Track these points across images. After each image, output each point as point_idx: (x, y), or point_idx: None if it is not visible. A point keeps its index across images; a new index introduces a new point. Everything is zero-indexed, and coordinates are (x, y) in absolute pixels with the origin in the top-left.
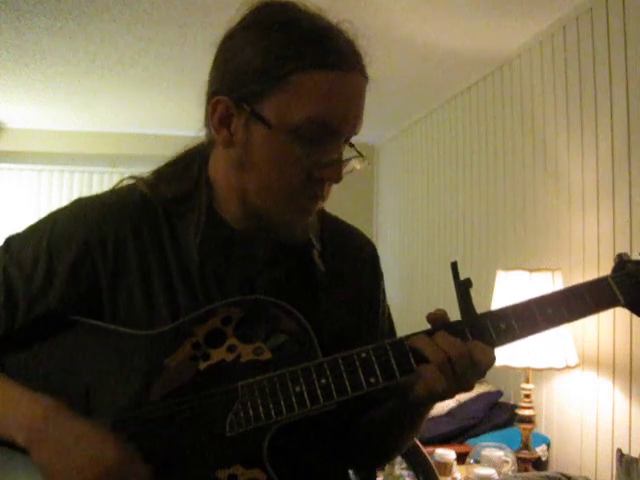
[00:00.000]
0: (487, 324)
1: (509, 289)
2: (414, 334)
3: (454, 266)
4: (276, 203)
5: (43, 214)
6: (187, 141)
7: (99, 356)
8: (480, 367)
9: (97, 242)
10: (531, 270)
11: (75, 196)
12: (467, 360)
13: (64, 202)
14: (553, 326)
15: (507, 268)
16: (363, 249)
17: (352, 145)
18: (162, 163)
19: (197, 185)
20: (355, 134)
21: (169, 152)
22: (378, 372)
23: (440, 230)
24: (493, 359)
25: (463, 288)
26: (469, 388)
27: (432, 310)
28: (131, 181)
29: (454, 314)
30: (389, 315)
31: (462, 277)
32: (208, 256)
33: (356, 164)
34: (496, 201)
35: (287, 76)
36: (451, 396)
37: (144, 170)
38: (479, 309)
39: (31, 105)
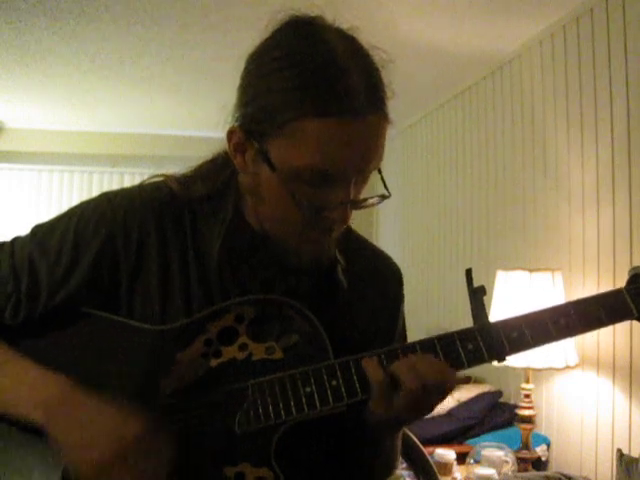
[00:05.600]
0: (499, 332)
1: (509, 289)
2: (423, 340)
3: (468, 273)
4: (284, 234)
5: (43, 214)
6: (187, 141)
7: (111, 348)
8: (429, 383)
9: (121, 235)
10: (531, 270)
11: (75, 196)
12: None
13: (64, 202)
14: (566, 336)
15: (507, 268)
16: (388, 271)
17: (380, 172)
18: (184, 162)
19: (228, 186)
20: (370, 172)
21: (169, 152)
22: None
23: (440, 230)
24: (445, 376)
25: (477, 295)
26: (425, 410)
27: (431, 310)
28: (160, 178)
29: (454, 315)
30: (405, 336)
31: (461, 280)
32: (228, 257)
33: (374, 201)
34: (496, 201)
35: (287, 122)
36: (407, 419)
37: (143, 170)
38: None
39: (31, 105)
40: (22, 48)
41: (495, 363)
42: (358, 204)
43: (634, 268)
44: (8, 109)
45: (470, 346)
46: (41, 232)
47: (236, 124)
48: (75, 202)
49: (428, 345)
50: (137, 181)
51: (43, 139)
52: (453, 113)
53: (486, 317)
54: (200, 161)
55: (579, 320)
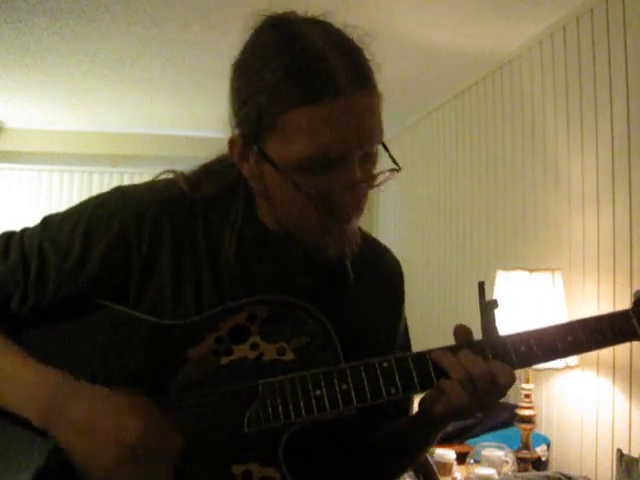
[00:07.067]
0: (508, 345)
1: (509, 289)
2: (437, 349)
3: (481, 286)
4: (304, 231)
5: (43, 214)
6: (187, 141)
7: (121, 342)
8: (500, 387)
9: (134, 229)
10: (531, 270)
11: (75, 196)
12: (488, 379)
13: (64, 202)
14: (572, 353)
15: (507, 268)
16: (390, 264)
17: (386, 148)
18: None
19: (237, 185)
20: (371, 148)
21: (169, 152)
22: (399, 383)
23: (440, 230)
24: (513, 379)
25: (489, 309)
26: (490, 407)
27: (431, 309)
28: (170, 175)
29: (453, 314)
30: (406, 331)
31: (460, 280)
32: (241, 256)
33: (384, 177)
34: (496, 201)
35: (276, 118)
36: (471, 414)
37: (143, 170)
38: (478, 310)
39: (31, 105)
40: (22, 48)
41: None
42: (368, 183)
43: (638, 291)
44: (8, 109)
45: None
46: (52, 223)
47: (234, 133)
48: (75, 202)
49: None
50: (137, 181)
51: (43, 139)
52: (453, 113)
53: (496, 331)
54: (208, 160)
55: (586, 338)
